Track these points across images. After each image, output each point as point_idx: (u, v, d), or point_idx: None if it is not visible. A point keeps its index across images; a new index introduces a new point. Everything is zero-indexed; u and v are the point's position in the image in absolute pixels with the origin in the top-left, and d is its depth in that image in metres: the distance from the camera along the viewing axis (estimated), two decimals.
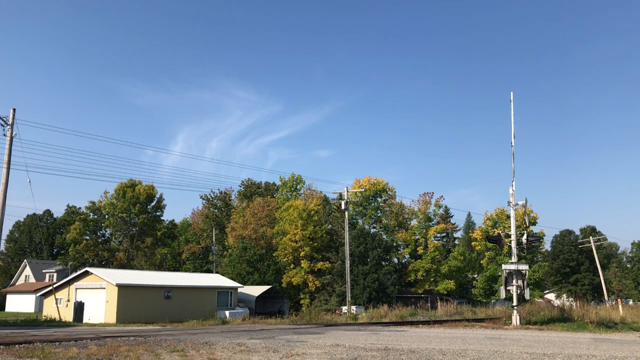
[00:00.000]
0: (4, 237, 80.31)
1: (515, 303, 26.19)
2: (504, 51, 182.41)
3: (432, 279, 59.41)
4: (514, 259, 26.95)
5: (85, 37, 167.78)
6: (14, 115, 30.37)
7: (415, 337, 17.48)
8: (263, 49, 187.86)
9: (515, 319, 25.98)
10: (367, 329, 22.98)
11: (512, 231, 27.50)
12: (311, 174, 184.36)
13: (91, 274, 38.07)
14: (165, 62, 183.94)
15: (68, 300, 38.12)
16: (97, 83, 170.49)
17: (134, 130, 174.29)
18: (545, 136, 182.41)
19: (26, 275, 70.73)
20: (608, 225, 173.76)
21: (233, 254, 57.09)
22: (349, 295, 44.13)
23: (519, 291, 25.95)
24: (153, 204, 63.00)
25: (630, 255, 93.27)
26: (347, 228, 45.67)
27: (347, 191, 45.26)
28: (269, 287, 49.87)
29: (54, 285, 39.82)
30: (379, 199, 64.01)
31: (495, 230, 59.40)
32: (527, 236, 27.98)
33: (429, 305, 53.66)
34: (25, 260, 73.24)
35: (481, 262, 63.85)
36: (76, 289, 38.32)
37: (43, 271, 69.26)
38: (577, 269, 73.87)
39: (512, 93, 28.67)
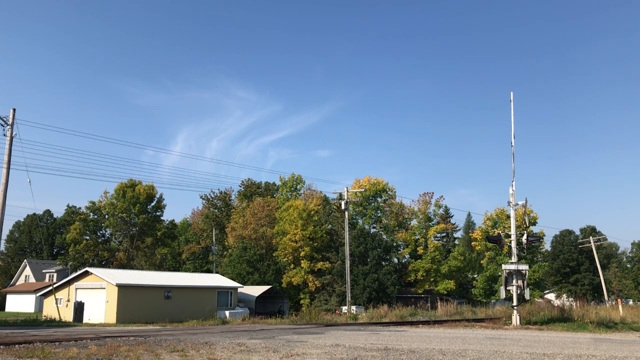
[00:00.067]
0: (4, 237, 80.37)
1: (515, 303, 26.19)
2: (504, 51, 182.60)
3: (432, 279, 59.41)
4: (514, 259, 26.96)
5: (85, 37, 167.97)
6: (14, 115, 30.37)
7: (415, 337, 17.48)
8: (263, 49, 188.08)
9: (515, 319, 25.98)
10: (367, 329, 22.98)
11: (512, 231, 27.50)
12: (311, 174, 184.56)
13: (91, 274, 38.06)
14: (165, 62, 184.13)
15: (68, 300, 38.12)
16: (97, 83, 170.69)
17: (134, 130, 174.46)
18: (545, 136, 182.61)
19: (26, 275, 70.74)
20: (608, 225, 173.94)
21: (233, 254, 57.09)
22: (349, 295, 44.14)
23: (519, 291, 25.95)
24: (153, 204, 62.99)
25: (630, 255, 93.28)
26: (347, 228, 45.67)
27: (347, 191, 45.26)
28: (269, 287, 49.86)
29: (54, 285, 39.81)
30: (379, 199, 64.02)
31: (495, 230, 59.39)
32: (527, 236, 27.98)
33: (429, 305, 53.66)
34: (25, 260, 73.23)
35: (481, 262, 63.85)
36: (76, 289, 38.33)
37: (43, 271, 69.26)
38: (577, 269, 73.87)
39: (512, 93, 28.73)
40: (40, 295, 41.79)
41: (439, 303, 44.98)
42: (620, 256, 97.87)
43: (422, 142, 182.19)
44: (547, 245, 76.06)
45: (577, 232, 79.49)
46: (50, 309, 38.72)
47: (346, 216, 45.96)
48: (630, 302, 73.02)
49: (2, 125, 30.00)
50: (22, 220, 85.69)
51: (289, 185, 69.21)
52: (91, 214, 62.39)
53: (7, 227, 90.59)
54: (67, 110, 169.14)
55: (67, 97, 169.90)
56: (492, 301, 58.74)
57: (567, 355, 12.11)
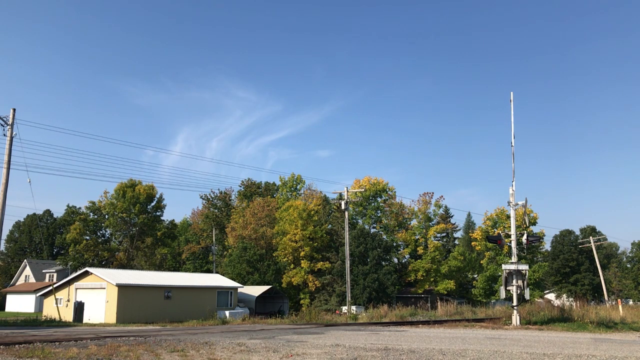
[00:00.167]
0: (4, 237, 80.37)
1: (515, 303, 26.19)
2: (504, 51, 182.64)
3: (432, 279, 59.41)
4: (514, 259, 26.95)
5: (85, 37, 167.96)
6: (14, 115, 30.37)
7: (415, 337, 17.48)
8: (263, 49, 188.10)
9: (515, 319, 25.98)
10: (367, 329, 22.98)
11: (512, 231, 27.50)
12: (311, 174, 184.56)
13: (91, 274, 38.06)
14: (165, 62, 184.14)
15: (68, 300, 38.12)
16: (97, 83, 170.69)
17: (134, 130, 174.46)
18: (545, 136, 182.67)
19: (26, 275, 70.74)
20: (608, 225, 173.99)
21: (233, 254, 57.08)
22: (349, 295, 44.13)
23: (519, 291, 25.95)
24: (153, 204, 62.99)
25: (630, 255, 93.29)
26: (347, 228, 45.67)
27: (347, 191, 45.26)
28: (269, 287, 49.85)
29: (54, 285, 39.81)
30: (379, 199, 64.02)
31: (495, 230, 59.39)
32: (527, 236, 27.98)
33: (429, 305, 53.65)
34: (25, 260, 73.23)
35: (481, 262, 63.85)
36: (76, 289, 38.32)
37: (43, 271, 69.26)
38: (577, 269, 73.87)
39: (512, 93, 28.73)
40: (40, 295, 41.79)
41: (439, 303, 44.98)
42: (620, 256, 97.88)
43: (422, 142, 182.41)
44: (547, 245, 76.17)
45: (577, 232, 79.55)
46: (50, 309, 38.72)
47: (346, 216, 45.96)
48: (630, 302, 73.02)
49: (2, 125, 30.01)
50: (22, 220, 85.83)
51: (289, 185, 69.21)
52: (91, 214, 62.39)
53: (7, 227, 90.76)
54: (67, 110, 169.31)
55: (67, 97, 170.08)
56: (492, 301, 58.73)
57: (567, 355, 12.11)
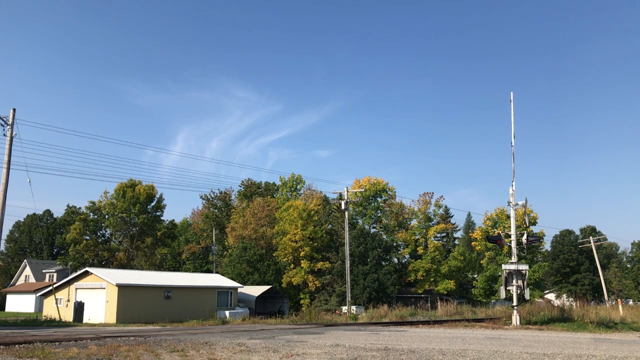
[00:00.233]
0: (4, 237, 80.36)
1: (515, 303, 26.18)
2: (504, 51, 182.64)
3: (432, 279, 59.41)
4: (514, 259, 26.95)
5: (85, 37, 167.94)
6: (14, 115, 30.37)
7: (415, 337, 17.49)
8: (263, 49, 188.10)
9: (515, 319, 25.98)
10: (367, 329, 22.98)
11: (512, 231, 27.50)
12: (311, 174, 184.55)
13: (91, 274, 38.06)
14: (165, 62, 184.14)
15: (68, 300, 38.12)
16: (97, 83, 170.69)
17: (134, 130, 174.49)
18: (545, 136, 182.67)
19: (26, 275, 70.73)
20: (608, 225, 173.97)
21: (233, 254, 57.08)
22: (349, 295, 44.13)
23: (519, 291, 25.95)
24: (153, 204, 63.00)
25: (630, 255, 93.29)
26: (347, 228, 45.67)
27: (347, 191, 45.26)
28: (269, 287, 49.85)
29: (54, 285, 39.81)
30: (379, 199, 64.02)
31: (495, 230, 59.39)
32: (527, 236, 27.98)
33: (429, 305, 53.65)
34: (25, 260, 73.23)
35: (481, 262, 63.85)
36: (76, 289, 38.32)
37: (43, 271, 69.25)
38: (577, 269, 73.87)
39: (512, 93, 28.72)
40: (40, 295, 41.79)
41: (439, 303, 44.98)
42: (620, 256, 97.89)
43: (422, 142, 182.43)
44: (547, 245, 76.18)
45: (577, 232, 79.56)
46: (50, 309, 38.72)
47: (346, 216, 45.96)
48: (630, 302, 73.03)
49: (2, 125, 30.01)
50: (22, 220, 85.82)
51: (289, 185, 69.21)
52: (91, 214, 62.40)
53: (7, 227, 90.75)
54: (67, 110, 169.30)
55: (67, 97, 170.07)
56: (492, 301, 58.74)
57: (567, 355, 12.11)
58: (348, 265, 44.49)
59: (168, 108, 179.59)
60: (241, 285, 46.40)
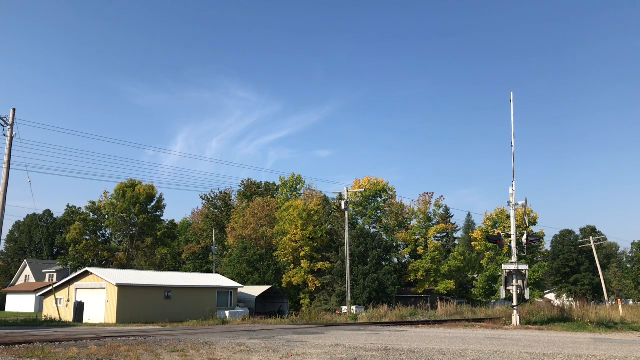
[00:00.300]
0: (4, 237, 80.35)
1: (515, 303, 26.18)
2: (504, 51, 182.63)
3: (432, 279, 59.40)
4: (514, 259, 26.95)
5: (85, 37, 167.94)
6: (14, 115, 30.37)
7: (415, 337, 17.49)
8: (263, 49, 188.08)
9: (515, 319, 25.98)
10: (367, 329, 22.98)
11: (512, 231, 27.50)
12: (311, 174, 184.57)
13: (91, 274, 38.06)
14: (165, 62, 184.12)
15: (68, 300, 38.12)
16: (97, 83, 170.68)
17: (134, 130, 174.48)
18: (545, 136, 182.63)
19: (26, 275, 70.73)
20: (608, 225, 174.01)
21: (233, 254, 57.08)
22: (349, 295, 44.13)
23: (519, 291, 25.95)
24: (153, 204, 63.00)
25: (630, 255, 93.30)
26: (347, 228, 45.67)
27: (347, 191, 45.26)
28: (269, 287, 49.85)
29: (54, 285, 39.81)
30: (379, 199, 64.02)
31: (495, 230, 59.39)
32: (527, 236, 27.98)
33: (429, 305, 53.65)
34: (25, 260, 73.22)
35: (481, 262, 63.85)
36: (76, 289, 38.32)
37: (43, 271, 69.25)
38: (577, 269, 73.87)
39: (512, 93, 28.74)
40: (40, 295, 41.79)
41: (439, 303, 44.98)
42: (620, 256, 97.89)
43: (422, 142, 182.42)
44: (547, 245, 76.17)
45: (577, 232, 79.55)
46: (50, 309, 38.72)
47: (346, 216, 45.96)
48: (630, 302, 73.04)
49: (2, 125, 30.01)
50: (22, 220, 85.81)
51: (289, 185, 69.21)
52: (91, 214, 62.40)
53: (7, 227, 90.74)
54: (67, 110, 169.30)
55: (67, 97, 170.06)
56: (492, 301, 58.74)
57: (567, 355, 12.11)
58: (348, 265, 44.48)
59: (168, 108, 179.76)
60: (241, 285, 46.40)
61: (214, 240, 67.03)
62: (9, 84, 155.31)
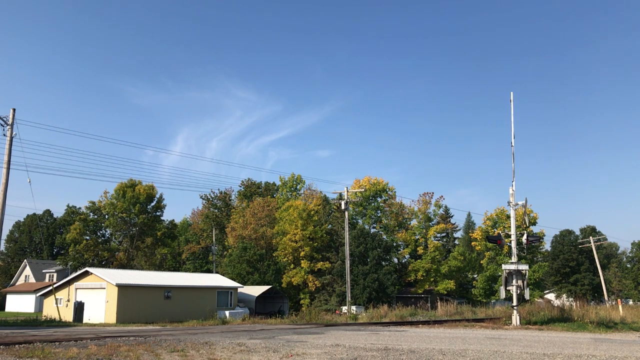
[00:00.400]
0: (4, 237, 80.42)
1: (515, 303, 26.18)
2: (504, 51, 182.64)
3: (432, 279, 59.41)
4: (514, 259, 26.95)
5: (85, 37, 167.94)
6: (14, 115, 30.37)
7: (415, 337, 17.48)
8: (263, 49, 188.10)
9: (515, 319, 25.98)
10: (367, 329, 22.97)
11: (512, 231, 27.50)
12: (311, 174, 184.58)
13: (91, 274, 38.05)
14: (165, 62, 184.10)
15: (68, 300, 38.12)
16: (97, 83, 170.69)
17: (134, 130, 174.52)
18: (545, 136, 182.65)
19: (26, 275, 70.73)
20: (608, 225, 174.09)
21: (233, 254, 57.07)
22: (349, 295, 44.13)
23: (519, 291, 25.94)
24: (153, 204, 63.00)
25: (630, 255, 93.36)
26: (347, 228, 45.67)
27: (347, 191, 45.26)
28: (269, 287, 49.85)
29: (54, 285, 39.80)
30: (379, 199, 64.02)
31: (495, 230, 59.40)
32: (527, 236, 27.98)
33: (429, 305, 53.67)
34: (25, 260, 73.22)
35: (481, 262, 63.86)
36: (76, 289, 38.32)
37: (43, 271, 69.25)
38: (577, 269, 73.88)
39: (512, 93, 28.73)
40: (40, 295, 41.79)
41: (439, 303, 44.99)
42: (620, 256, 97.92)
43: (422, 142, 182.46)
44: (547, 245, 76.22)
45: (577, 232, 79.59)
46: (50, 309, 38.71)
47: (346, 216, 45.96)
48: (630, 302, 73.04)
49: (2, 125, 30.00)
50: (22, 220, 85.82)
51: (289, 185, 69.22)
52: (91, 214, 62.39)
53: (7, 227, 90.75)
54: (67, 110, 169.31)
55: (67, 97, 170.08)
56: (492, 301, 58.75)
57: (567, 355, 12.11)
58: (348, 265, 44.49)
59: (168, 108, 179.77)
60: (241, 285, 46.40)
61: (214, 240, 67.03)
62: (9, 84, 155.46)
